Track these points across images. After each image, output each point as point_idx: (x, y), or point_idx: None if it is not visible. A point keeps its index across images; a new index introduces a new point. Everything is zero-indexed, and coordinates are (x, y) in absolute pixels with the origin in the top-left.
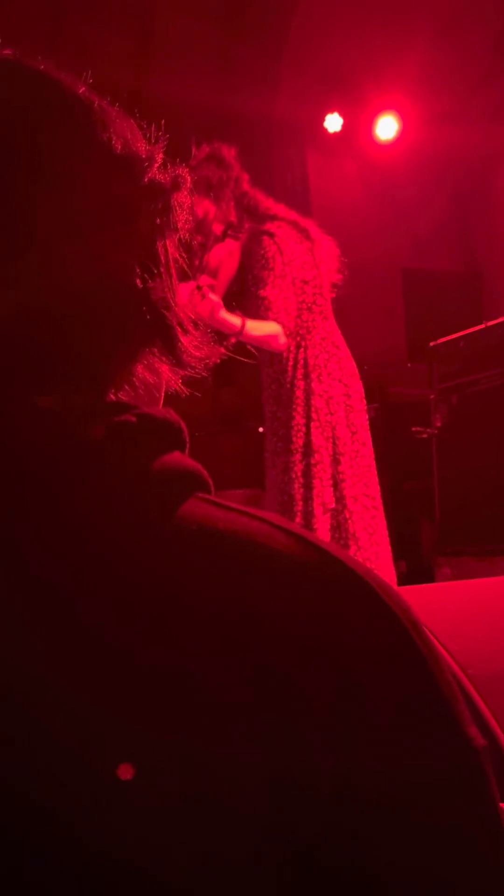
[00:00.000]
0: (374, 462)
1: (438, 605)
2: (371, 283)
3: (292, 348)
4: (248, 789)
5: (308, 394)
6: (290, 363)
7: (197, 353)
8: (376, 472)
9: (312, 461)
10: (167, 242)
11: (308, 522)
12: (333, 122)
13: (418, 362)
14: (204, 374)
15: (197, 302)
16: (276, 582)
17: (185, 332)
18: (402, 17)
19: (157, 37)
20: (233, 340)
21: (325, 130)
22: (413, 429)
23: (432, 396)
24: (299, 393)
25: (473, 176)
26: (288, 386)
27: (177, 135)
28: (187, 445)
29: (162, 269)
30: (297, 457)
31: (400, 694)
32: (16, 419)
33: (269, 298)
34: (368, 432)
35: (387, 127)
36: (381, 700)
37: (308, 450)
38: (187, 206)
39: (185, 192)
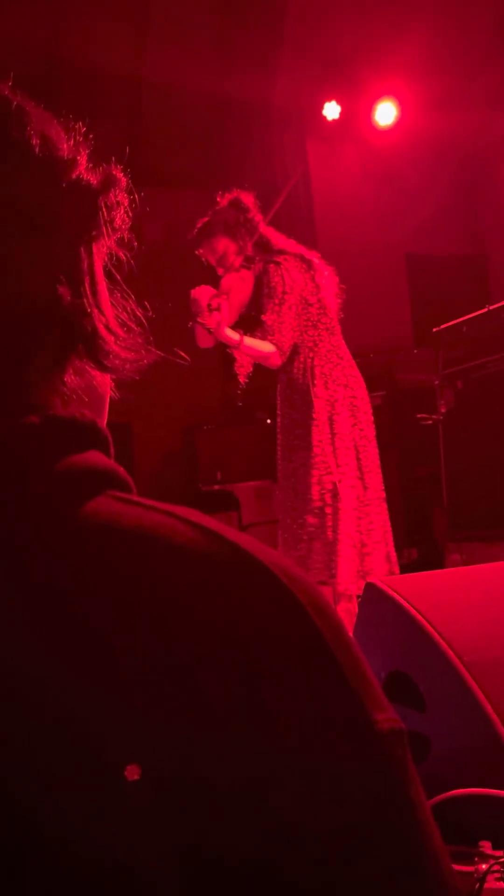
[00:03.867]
0: (377, 456)
1: (439, 592)
2: (375, 269)
3: (302, 359)
4: (144, 784)
5: (315, 397)
6: (301, 371)
7: (126, 356)
8: (379, 466)
9: (312, 454)
10: (93, 245)
11: (333, 504)
12: (332, 110)
13: (424, 348)
14: (135, 377)
15: (207, 316)
16: (177, 575)
17: (115, 336)
18: (400, 2)
19: (154, 21)
20: (234, 352)
21: (324, 118)
22: (418, 416)
23: (437, 382)
24: (308, 397)
25: (476, 159)
26: (300, 391)
27: (176, 120)
28: (110, 444)
29: (84, 274)
30: (310, 452)
31: (301, 681)
32: None
33: (267, 322)
34: (373, 429)
35: (386, 113)
36: (283, 687)
37: (308, 443)
38: (122, 206)
39: (120, 192)
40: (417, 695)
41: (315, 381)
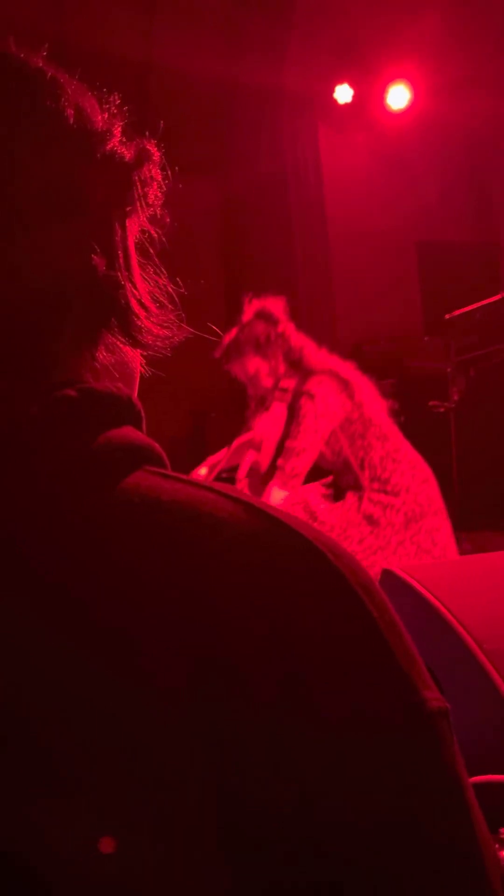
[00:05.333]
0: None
1: (457, 579)
2: (386, 256)
3: (353, 466)
4: (191, 749)
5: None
6: (347, 483)
7: (159, 333)
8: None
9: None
10: (126, 219)
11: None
12: (344, 94)
13: (435, 335)
14: (167, 354)
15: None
16: (220, 550)
17: (147, 311)
18: None
19: (162, 5)
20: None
21: (336, 102)
22: (430, 403)
23: (449, 370)
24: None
25: (487, 145)
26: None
27: (185, 105)
28: (143, 420)
29: (117, 248)
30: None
31: (351, 661)
32: None
33: (294, 449)
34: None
35: (398, 96)
36: (332, 667)
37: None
38: (156, 181)
39: (153, 167)
40: (436, 683)
41: (361, 498)
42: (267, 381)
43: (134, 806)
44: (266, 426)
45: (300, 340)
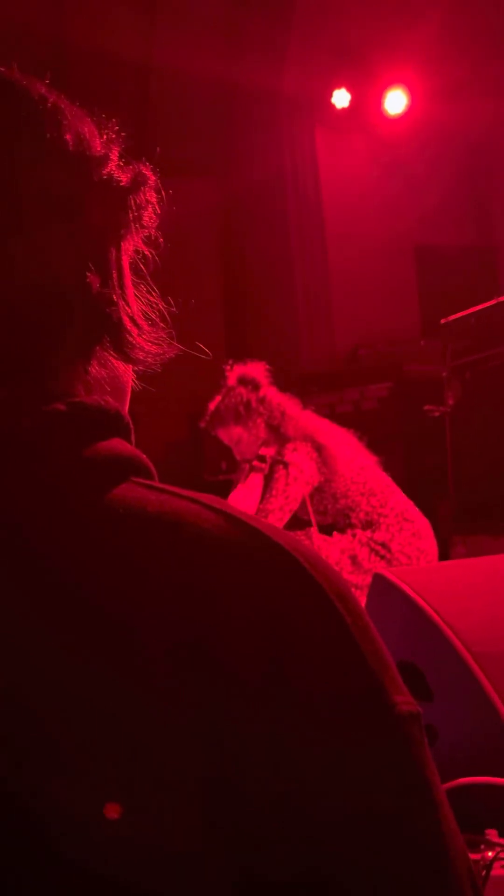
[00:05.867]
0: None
1: (447, 583)
2: (383, 260)
3: (340, 524)
4: (189, 756)
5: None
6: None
7: (150, 349)
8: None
9: None
10: (121, 240)
11: None
12: (341, 98)
13: (432, 339)
14: (157, 369)
15: None
16: (202, 559)
17: (139, 328)
18: None
19: (162, 7)
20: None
21: (333, 106)
22: (425, 407)
23: (445, 374)
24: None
25: (485, 150)
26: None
27: (184, 107)
28: (132, 431)
29: (112, 267)
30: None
31: (323, 663)
32: None
33: (264, 510)
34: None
35: (396, 101)
36: (306, 670)
37: None
38: (151, 204)
39: (149, 190)
40: (425, 685)
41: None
42: (249, 450)
43: (135, 801)
44: (241, 498)
45: (281, 404)
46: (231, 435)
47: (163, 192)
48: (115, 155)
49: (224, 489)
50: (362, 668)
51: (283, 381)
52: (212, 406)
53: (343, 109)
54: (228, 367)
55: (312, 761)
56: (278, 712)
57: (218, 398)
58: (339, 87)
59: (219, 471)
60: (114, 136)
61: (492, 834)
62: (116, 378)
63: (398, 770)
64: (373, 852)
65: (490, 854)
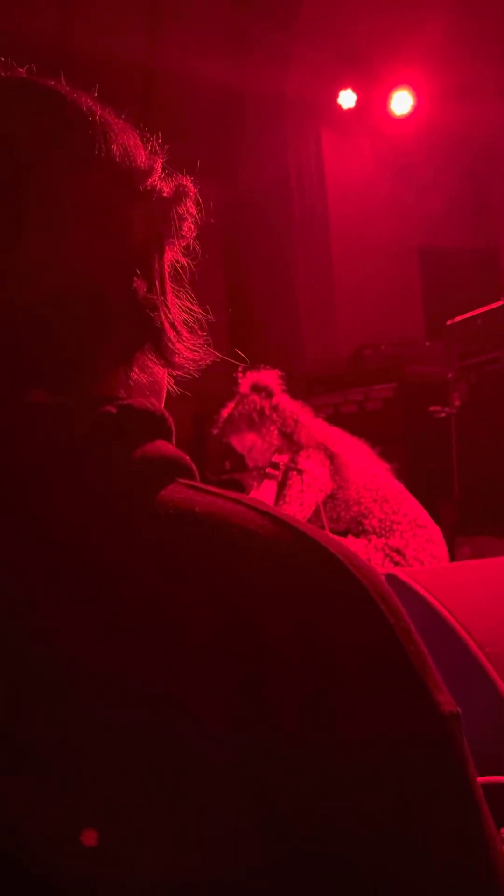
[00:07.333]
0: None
1: (456, 584)
2: (388, 261)
3: (353, 531)
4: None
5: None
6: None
7: (189, 356)
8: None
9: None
10: (164, 249)
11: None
12: (347, 99)
13: (436, 341)
14: (195, 375)
15: None
16: (249, 561)
17: (179, 335)
18: None
19: (166, 9)
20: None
21: (339, 107)
22: (431, 408)
23: (450, 375)
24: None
25: (490, 151)
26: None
27: (189, 109)
28: (173, 434)
29: (155, 274)
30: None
31: (368, 662)
32: (9, 413)
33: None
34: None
35: (402, 102)
36: (352, 672)
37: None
38: (191, 215)
39: (190, 202)
40: None
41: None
42: (262, 457)
43: (176, 830)
44: (259, 496)
45: (295, 412)
46: (244, 442)
47: (202, 206)
48: (158, 166)
49: (227, 487)
50: (407, 668)
51: (287, 383)
52: (224, 413)
53: (349, 110)
54: (241, 375)
55: (355, 764)
56: (321, 715)
57: (230, 405)
58: (344, 87)
59: (223, 470)
60: (157, 148)
61: None
62: (154, 383)
63: (442, 769)
64: (417, 852)
65: None
